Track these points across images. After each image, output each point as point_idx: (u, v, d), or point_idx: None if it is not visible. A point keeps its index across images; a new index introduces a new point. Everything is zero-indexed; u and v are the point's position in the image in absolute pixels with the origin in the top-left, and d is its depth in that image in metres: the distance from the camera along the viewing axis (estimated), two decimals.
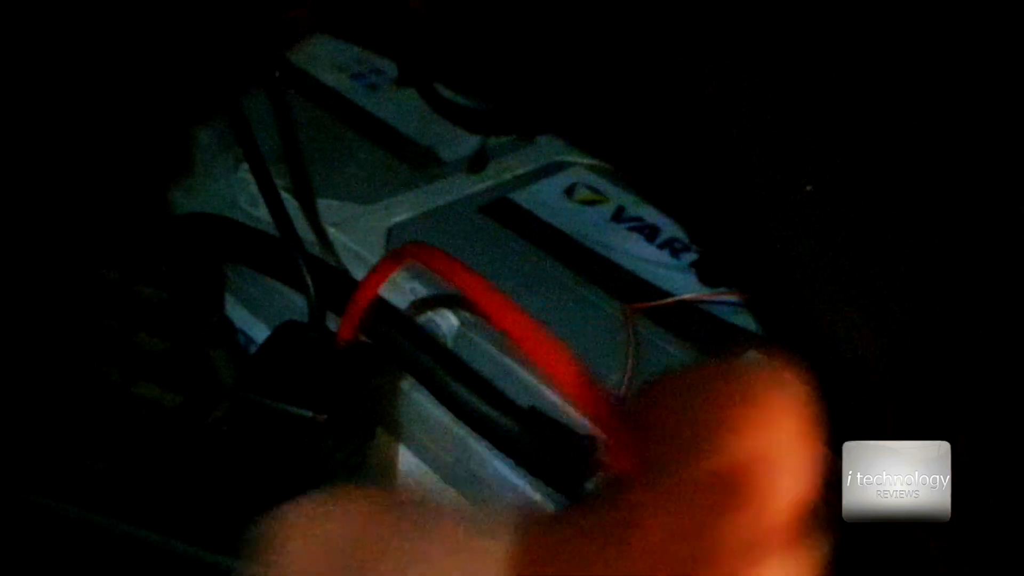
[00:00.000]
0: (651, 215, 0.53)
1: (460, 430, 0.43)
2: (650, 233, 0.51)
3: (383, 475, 0.48)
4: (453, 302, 0.45)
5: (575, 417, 0.41)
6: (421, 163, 0.55)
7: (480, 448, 0.42)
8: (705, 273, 0.48)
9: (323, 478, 0.41)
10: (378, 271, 0.39)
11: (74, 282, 0.52)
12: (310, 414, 0.37)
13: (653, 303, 0.45)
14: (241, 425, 0.40)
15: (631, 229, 0.52)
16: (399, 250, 0.39)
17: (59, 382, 0.54)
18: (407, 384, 0.45)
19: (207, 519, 0.47)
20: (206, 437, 0.55)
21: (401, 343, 0.40)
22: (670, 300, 0.45)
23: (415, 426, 0.45)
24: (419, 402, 0.44)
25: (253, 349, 0.56)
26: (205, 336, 0.54)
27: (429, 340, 0.41)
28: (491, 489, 0.43)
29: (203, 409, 0.56)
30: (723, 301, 0.46)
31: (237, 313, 0.55)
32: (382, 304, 0.41)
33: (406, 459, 0.47)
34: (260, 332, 0.54)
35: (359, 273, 0.46)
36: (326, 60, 0.65)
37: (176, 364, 0.54)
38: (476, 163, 0.56)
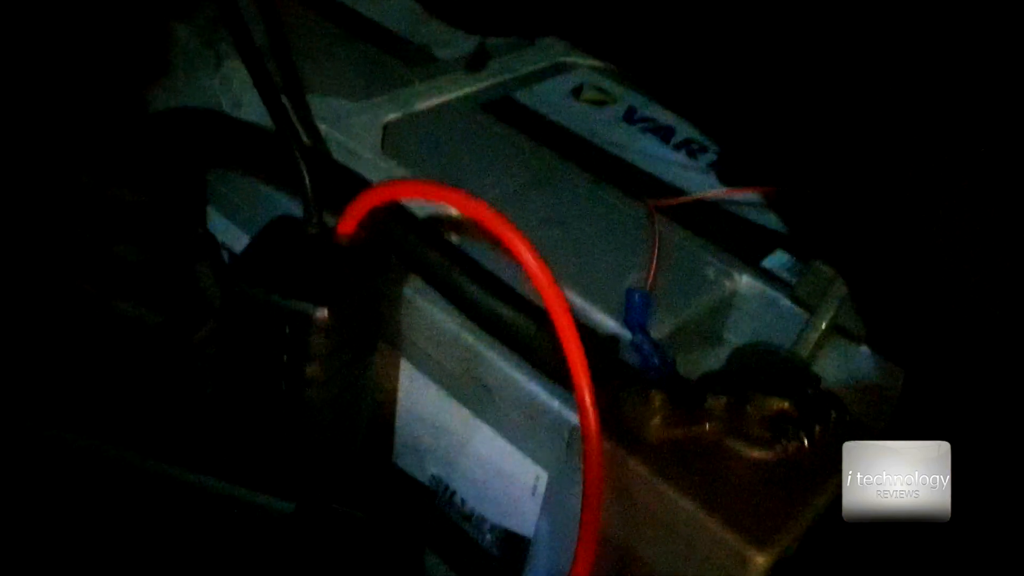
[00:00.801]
0: (663, 116, 0.49)
1: (468, 336, 0.40)
2: (664, 134, 0.48)
3: (382, 389, 0.45)
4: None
5: (597, 318, 0.38)
6: (415, 61, 0.51)
7: (491, 354, 0.39)
8: (726, 173, 0.45)
9: (324, 389, 0.38)
10: (390, 185, 0.36)
11: (42, 186, 0.48)
12: (310, 308, 0.34)
13: (676, 199, 0.42)
14: (234, 320, 0.36)
15: (644, 130, 0.48)
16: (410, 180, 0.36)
17: (28, 296, 0.50)
18: (410, 290, 0.41)
19: (192, 438, 0.44)
20: (191, 359, 0.52)
21: (410, 239, 0.37)
22: (692, 197, 0.42)
23: (418, 335, 0.42)
24: (424, 308, 0.41)
25: None
26: (188, 247, 0.50)
27: (440, 238, 0.38)
28: (500, 398, 0.40)
29: (187, 328, 0.53)
30: (746, 201, 0.43)
31: (220, 226, 0.52)
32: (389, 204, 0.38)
33: (406, 372, 0.44)
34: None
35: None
36: None
37: (157, 278, 0.50)
38: (475, 62, 0.52)
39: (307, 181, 0.38)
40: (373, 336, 0.40)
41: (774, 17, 0.41)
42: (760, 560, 0.33)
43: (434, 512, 0.46)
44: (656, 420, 0.34)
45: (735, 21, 0.44)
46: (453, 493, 0.45)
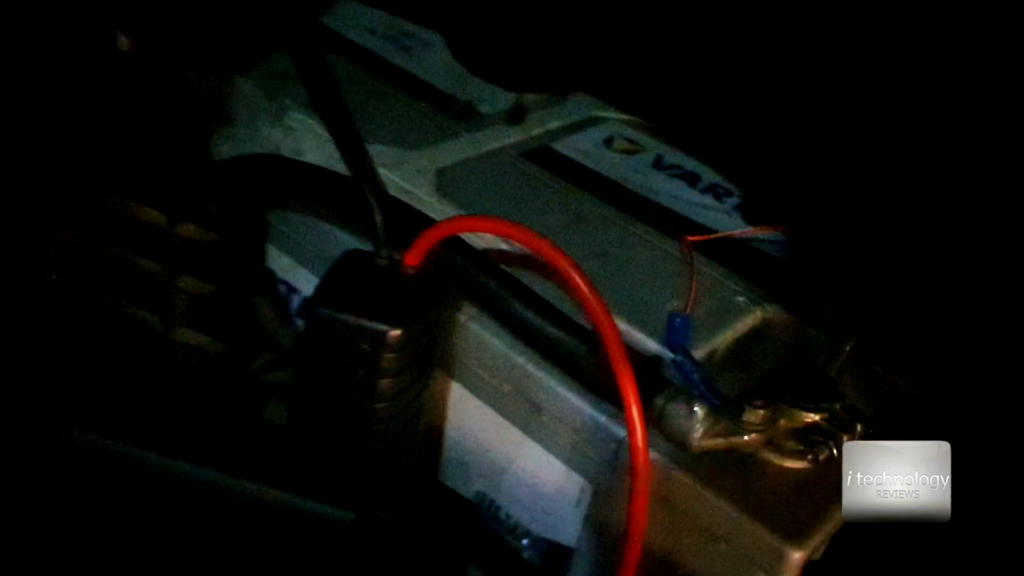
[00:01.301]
0: (690, 163, 0.54)
1: (520, 358, 0.43)
2: (692, 179, 0.52)
3: (433, 410, 0.49)
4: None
5: (639, 339, 0.42)
6: (461, 116, 0.56)
7: (541, 375, 0.43)
8: (749, 213, 0.49)
9: (391, 404, 0.41)
10: (461, 219, 0.40)
11: (109, 222, 0.51)
12: (385, 328, 0.38)
13: (708, 236, 0.46)
14: (313, 342, 0.40)
15: (672, 175, 0.53)
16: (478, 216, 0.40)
17: (94, 325, 0.53)
18: (464, 317, 0.45)
19: (254, 455, 0.47)
20: (248, 385, 0.55)
21: (471, 268, 0.41)
22: (722, 235, 0.46)
23: (470, 358, 0.46)
24: (477, 333, 0.45)
25: (295, 299, 0.56)
26: (248, 282, 0.54)
27: (496, 267, 0.42)
28: (549, 415, 0.43)
29: (245, 356, 0.56)
30: (770, 238, 0.48)
31: (278, 263, 0.55)
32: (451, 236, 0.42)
33: (456, 393, 0.48)
34: (304, 281, 0.54)
35: None
36: (357, 23, 0.65)
37: (218, 310, 0.54)
38: (515, 116, 0.57)
39: (379, 217, 0.42)
40: (433, 358, 0.44)
41: (788, 73, 0.45)
42: (796, 555, 0.36)
43: (478, 526, 0.49)
44: (699, 432, 0.38)
45: (753, 76, 0.49)
46: (498, 508, 0.48)
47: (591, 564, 0.44)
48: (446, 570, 0.50)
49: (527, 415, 0.44)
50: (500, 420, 0.46)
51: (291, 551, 0.45)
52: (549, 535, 0.46)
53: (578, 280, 0.38)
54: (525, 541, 0.47)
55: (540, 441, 0.44)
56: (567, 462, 0.44)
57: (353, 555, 0.45)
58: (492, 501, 0.48)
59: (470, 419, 0.47)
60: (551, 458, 0.44)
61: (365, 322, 0.38)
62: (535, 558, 0.47)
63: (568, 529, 0.45)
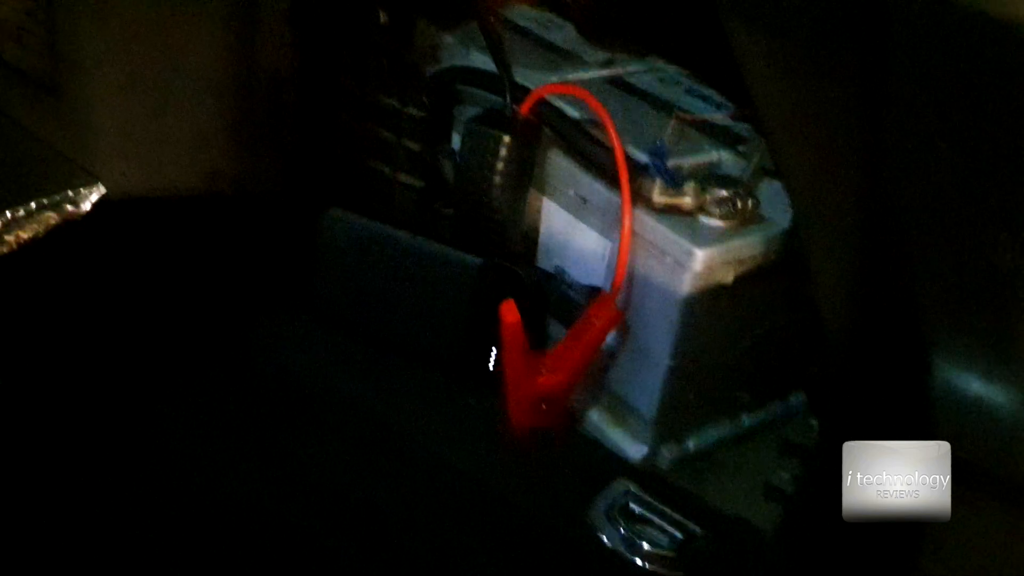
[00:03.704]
0: (707, 91, 0.87)
1: (576, 169, 0.78)
2: (704, 98, 0.86)
3: (531, 218, 0.84)
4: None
5: (636, 154, 0.76)
6: (574, 61, 0.92)
7: (587, 178, 0.77)
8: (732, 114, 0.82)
9: (508, 179, 0.77)
10: (548, 87, 0.77)
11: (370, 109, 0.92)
12: (500, 133, 0.75)
13: (691, 117, 0.80)
14: (465, 142, 0.77)
15: (694, 96, 0.87)
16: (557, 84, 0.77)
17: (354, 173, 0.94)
18: (549, 153, 0.81)
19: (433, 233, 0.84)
20: (434, 213, 0.93)
21: (552, 117, 0.77)
22: (702, 117, 0.80)
23: (550, 176, 0.81)
24: (555, 160, 0.80)
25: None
26: (440, 149, 0.92)
27: (565, 115, 0.78)
28: (590, 204, 0.77)
29: (434, 193, 0.94)
30: (740, 125, 0.80)
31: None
32: (546, 102, 0.78)
33: (545, 204, 0.83)
34: None
35: None
36: (521, 14, 1.03)
37: (423, 162, 0.92)
38: (606, 64, 0.92)
39: (508, 88, 0.79)
40: (530, 171, 0.80)
41: None
42: (700, 252, 0.68)
43: (559, 288, 0.83)
44: (656, 193, 0.71)
45: None
46: (564, 272, 0.82)
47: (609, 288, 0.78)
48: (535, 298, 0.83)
49: (579, 206, 0.79)
50: (566, 215, 0.81)
51: (449, 277, 0.81)
52: (589, 281, 0.80)
53: (605, 119, 0.73)
54: (578, 288, 0.81)
55: (585, 221, 0.79)
56: (599, 231, 0.78)
57: (481, 282, 0.80)
58: (562, 269, 0.82)
59: (550, 218, 0.82)
60: (590, 231, 0.78)
61: (490, 130, 0.75)
62: (582, 300, 0.81)
63: (599, 275, 0.78)
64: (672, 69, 0.93)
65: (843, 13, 0.52)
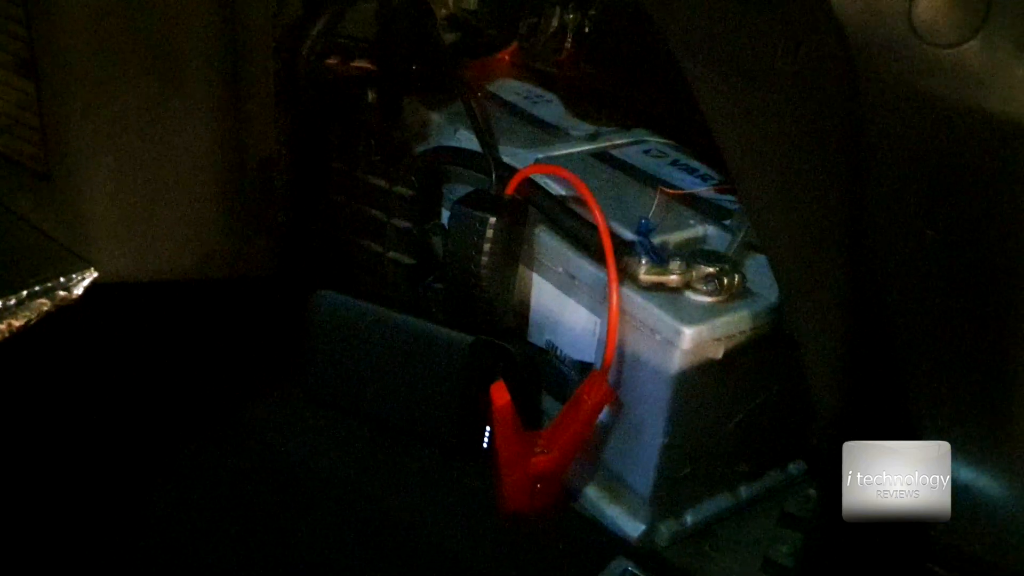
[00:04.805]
0: (693, 163, 0.88)
1: (565, 247, 0.78)
2: (690, 170, 0.87)
3: (521, 294, 0.84)
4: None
5: (622, 231, 0.76)
6: (560, 135, 0.93)
7: (574, 256, 0.78)
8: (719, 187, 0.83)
9: (494, 259, 0.78)
10: (531, 168, 0.78)
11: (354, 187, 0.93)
12: (487, 216, 0.75)
13: (678, 191, 0.80)
14: (452, 223, 0.78)
15: (679, 168, 0.87)
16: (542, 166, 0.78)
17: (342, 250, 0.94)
18: (537, 230, 0.81)
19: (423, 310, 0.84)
20: (425, 289, 0.93)
21: (538, 197, 0.78)
22: (688, 191, 0.80)
23: (539, 253, 0.81)
24: (543, 238, 0.80)
25: None
26: (431, 225, 0.92)
27: (552, 196, 0.78)
28: (579, 281, 0.78)
29: (425, 268, 0.94)
30: (718, 197, 0.81)
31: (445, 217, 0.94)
32: (531, 181, 0.79)
33: (535, 281, 0.83)
34: None
35: None
36: (508, 88, 1.05)
37: (413, 240, 0.92)
38: (591, 137, 0.93)
39: (494, 169, 0.80)
40: (518, 250, 0.80)
41: None
42: (687, 330, 0.68)
43: (551, 363, 0.83)
44: (643, 272, 0.71)
45: None
46: (557, 348, 0.82)
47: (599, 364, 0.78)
48: (534, 378, 0.83)
49: (568, 283, 0.79)
50: (555, 291, 0.81)
51: (440, 355, 0.81)
52: (582, 357, 0.79)
53: (589, 199, 0.74)
54: (569, 364, 0.81)
55: (575, 297, 0.79)
56: (589, 308, 0.78)
57: (473, 360, 0.80)
58: (553, 344, 0.82)
59: (540, 294, 0.83)
60: (580, 308, 0.79)
61: (475, 211, 0.76)
62: (574, 375, 0.80)
63: (590, 350, 0.78)
64: (657, 141, 0.94)
65: (822, 93, 0.53)
